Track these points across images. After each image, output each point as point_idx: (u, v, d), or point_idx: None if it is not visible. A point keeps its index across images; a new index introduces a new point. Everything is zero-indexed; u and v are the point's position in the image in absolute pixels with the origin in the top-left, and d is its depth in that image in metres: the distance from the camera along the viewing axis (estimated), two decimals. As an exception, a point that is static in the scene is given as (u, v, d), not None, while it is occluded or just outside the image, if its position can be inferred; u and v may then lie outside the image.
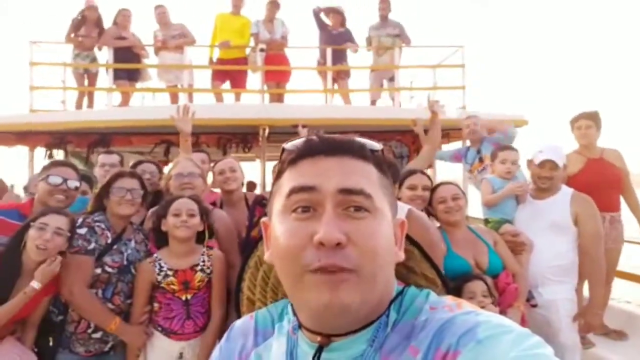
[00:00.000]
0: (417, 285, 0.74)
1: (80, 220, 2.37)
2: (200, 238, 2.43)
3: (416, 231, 2.10)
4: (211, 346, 2.36)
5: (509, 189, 3.00)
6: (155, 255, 2.39)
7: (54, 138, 4.72)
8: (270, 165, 4.88)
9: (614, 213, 3.66)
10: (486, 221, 3.06)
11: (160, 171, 3.17)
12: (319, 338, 0.67)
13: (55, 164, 2.57)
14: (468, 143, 4.44)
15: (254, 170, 6.05)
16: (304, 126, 3.90)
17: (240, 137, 4.75)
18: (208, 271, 2.38)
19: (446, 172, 5.29)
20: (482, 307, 2.19)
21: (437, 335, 0.61)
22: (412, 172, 2.74)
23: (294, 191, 0.66)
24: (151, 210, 2.69)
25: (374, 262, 0.63)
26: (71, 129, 4.55)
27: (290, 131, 4.03)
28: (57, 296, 2.30)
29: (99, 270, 2.33)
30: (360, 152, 0.70)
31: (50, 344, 2.31)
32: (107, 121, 4.49)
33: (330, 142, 0.69)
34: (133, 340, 2.31)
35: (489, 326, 0.59)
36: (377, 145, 0.73)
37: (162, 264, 2.33)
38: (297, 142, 0.72)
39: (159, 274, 2.30)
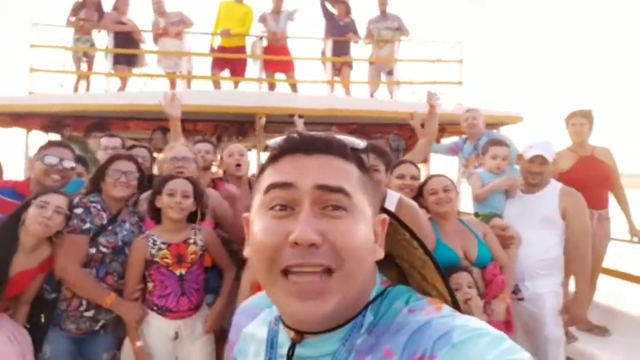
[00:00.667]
0: (427, 294, 0.73)
1: (76, 200, 2.42)
2: (191, 218, 2.49)
3: (406, 219, 2.16)
4: (224, 306, 2.49)
5: (498, 183, 3.05)
6: (147, 232, 2.44)
7: (51, 121, 4.73)
8: (266, 155, 4.89)
9: (602, 210, 3.71)
10: (476, 215, 3.10)
11: (152, 156, 3.22)
12: (292, 334, 0.68)
13: (52, 144, 2.61)
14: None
15: (250, 160, 6.07)
16: (300, 116, 3.93)
17: (236, 126, 4.77)
18: (200, 244, 2.44)
19: (441, 166, 5.33)
20: (468, 299, 2.27)
21: (412, 339, 0.61)
22: (401, 162, 2.80)
23: (271, 187, 0.66)
24: (144, 194, 2.73)
25: (351, 261, 0.63)
26: (69, 112, 4.56)
27: (288, 121, 4.05)
28: (51, 274, 2.33)
29: (93, 250, 2.37)
30: (341, 151, 0.70)
31: (42, 321, 2.34)
32: (105, 105, 4.50)
33: (311, 140, 0.69)
34: (129, 314, 2.35)
35: (465, 330, 0.58)
36: (359, 143, 0.73)
37: (156, 239, 2.38)
38: (279, 139, 0.72)
39: (152, 248, 2.35)
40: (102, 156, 3.36)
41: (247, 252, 0.71)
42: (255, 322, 0.80)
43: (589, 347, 3.25)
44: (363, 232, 0.65)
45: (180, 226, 2.44)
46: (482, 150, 3.30)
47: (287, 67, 6.17)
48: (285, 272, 0.63)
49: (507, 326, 2.55)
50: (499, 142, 3.27)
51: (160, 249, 2.36)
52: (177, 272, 2.37)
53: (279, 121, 4.49)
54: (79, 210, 2.38)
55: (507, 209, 3.04)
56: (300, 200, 0.64)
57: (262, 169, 0.73)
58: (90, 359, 2.42)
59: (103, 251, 2.40)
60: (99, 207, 2.44)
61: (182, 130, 5.09)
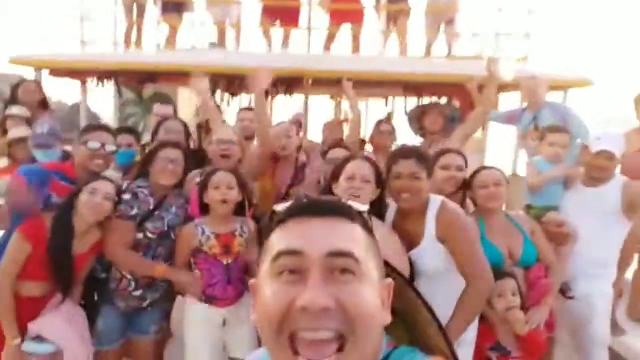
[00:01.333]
0: (431, 352, 0.75)
1: (124, 186, 2.50)
2: (238, 209, 2.52)
3: (447, 223, 2.10)
4: None
5: (555, 173, 2.84)
6: (197, 220, 2.49)
7: (105, 74, 4.80)
8: (314, 102, 4.87)
9: None
10: (529, 207, 2.94)
11: (187, 130, 3.22)
12: None
13: (92, 128, 2.65)
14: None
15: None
16: (348, 79, 3.76)
17: (284, 84, 4.64)
18: (245, 236, 2.47)
19: (499, 135, 5.02)
20: (510, 308, 2.19)
21: None
22: (445, 151, 2.66)
23: (280, 254, 0.66)
24: (190, 174, 2.76)
25: (362, 327, 0.63)
26: (120, 69, 4.58)
27: (337, 77, 3.90)
28: (101, 255, 2.46)
29: (140, 235, 2.46)
30: (347, 213, 0.71)
31: (95, 298, 2.52)
32: (154, 64, 4.47)
33: (318, 203, 0.71)
34: (181, 278, 2.45)
35: None
36: (362, 207, 0.74)
37: (205, 228, 2.43)
38: (287, 204, 0.73)
39: (201, 237, 2.41)
40: (154, 121, 3.43)
41: (253, 317, 0.70)
42: None
43: (637, 339, 3.13)
44: (371, 297, 0.66)
45: (228, 217, 2.48)
46: (539, 137, 3.04)
47: (356, 17, 5.78)
48: (293, 341, 0.62)
49: (548, 328, 2.48)
50: (558, 129, 3.00)
51: (208, 238, 2.41)
52: (224, 262, 2.43)
53: (327, 80, 4.31)
54: (127, 196, 2.45)
55: (564, 201, 2.85)
56: (309, 267, 0.64)
57: (269, 231, 0.73)
58: (139, 331, 2.59)
59: (150, 236, 2.48)
60: (145, 192, 2.50)
61: (230, 88, 5.11)
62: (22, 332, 2.20)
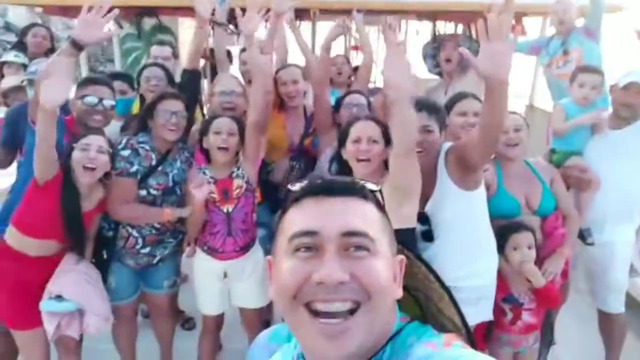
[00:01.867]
0: (442, 327, 0.78)
1: (123, 141, 2.38)
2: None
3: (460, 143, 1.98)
4: None
5: (583, 118, 2.65)
6: (200, 166, 2.44)
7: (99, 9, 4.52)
8: (321, 28, 4.53)
9: None
10: (552, 152, 2.79)
11: (170, 76, 3.00)
12: None
13: (90, 81, 2.49)
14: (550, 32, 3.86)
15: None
16: (358, 11, 3.49)
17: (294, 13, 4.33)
18: (243, 177, 2.42)
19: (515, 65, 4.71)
20: (524, 262, 2.14)
21: None
22: (462, 96, 2.48)
23: (296, 235, 0.69)
24: (194, 127, 2.63)
25: (377, 296, 0.66)
26: (117, 4, 4.28)
27: (344, 8, 3.63)
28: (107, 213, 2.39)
29: (143, 192, 2.38)
30: (361, 193, 0.73)
31: (105, 257, 2.47)
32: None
33: (332, 183, 0.74)
34: (192, 207, 2.35)
35: None
36: (375, 186, 0.76)
37: (206, 172, 2.39)
38: (302, 183, 0.75)
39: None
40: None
41: (271, 293, 0.74)
42: (275, 357, 0.83)
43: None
44: (385, 271, 0.69)
45: (229, 162, 2.42)
46: (570, 79, 2.80)
47: None
48: (311, 309, 0.65)
49: (562, 275, 2.45)
50: (589, 69, 2.75)
51: (208, 182, 2.35)
52: (224, 209, 2.38)
53: (336, 9, 4.01)
54: (126, 153, 2.34)
55: (590, 147, 2.68)
56: (324, 245, 0.67)
57: (284, 210, 0.75)
58: (151, 286, 2.59)
59: (153, 193, 2.40)
60: (147, 147, 2.39)
61: (233, 18, 4.79)
62: (34, 293, 2.18)
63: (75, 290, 2.18)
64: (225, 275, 2.46)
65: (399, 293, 0.73)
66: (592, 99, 2.67)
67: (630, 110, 2.54)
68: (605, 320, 2.76)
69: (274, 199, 2.84)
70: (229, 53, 3.93)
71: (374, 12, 3.90)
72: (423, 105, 2.05)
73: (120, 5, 4.15)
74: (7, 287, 2.20)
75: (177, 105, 2.40)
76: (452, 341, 0.69)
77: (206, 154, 2.43)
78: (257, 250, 2.54)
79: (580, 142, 2.69)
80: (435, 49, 4.07)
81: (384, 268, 0.69)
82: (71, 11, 4.49)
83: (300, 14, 4.38)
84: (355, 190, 0.73)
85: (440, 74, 3.94)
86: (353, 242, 0.67)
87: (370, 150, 1.97)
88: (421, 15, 5.05)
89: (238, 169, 2.43)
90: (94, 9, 2.20)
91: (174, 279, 2.64)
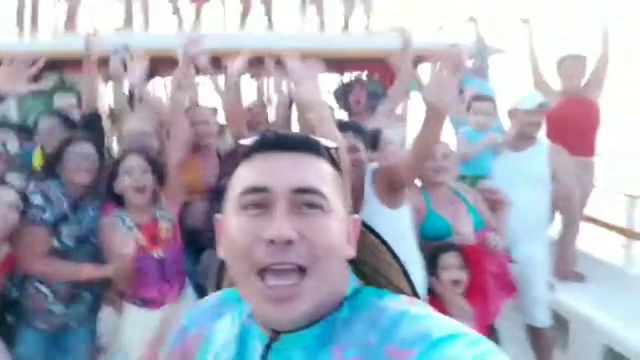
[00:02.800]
0: None
1: (32, 187, 2.21)
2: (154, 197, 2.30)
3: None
4: None
5: (483, 143, 2.90)
6: (117, 211, 2.26)
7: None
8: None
9: (589, 158, 3.62)
10: (463, 177, 2.98)
11: (71, 122, 2.84)
12: (268, 332, 0.68)
13: None
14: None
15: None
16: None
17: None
18: (168, 218, 2.29)
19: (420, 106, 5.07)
20: (457, 281, 2.20)
21: (389, 328, 0.62)
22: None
23: (245, 192, 0.66)
24: None
25: (327, 258, 0.64)
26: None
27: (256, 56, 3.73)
28: (12, 272, 2.16)
29: (56, 243, 2.17)
30: (315, 149, 0.70)
31: (10, 321, 2.22)
32: (56, 50, 3.92)
33: (285, 138, 0.70)
34: (115, 267, 2.16)
35: (444, 328, 0.59)
36: (332, 144, 0.73)
37: (125, 219, 2.21)
38: (253, 137, 0.72)
39: (123, 230, 2.18)
40: None
41: (221, 252, 0.71)
42: (224, 319, 0.78)
43: (565, 295, 3.30)
44: (338, 231, 0.66)
45: (148, 203, 2.26)
46: (466, 107, 3.09)
47: None
48: (261, 273, 0.63)
49: (509, 291, 2.52)
50: (483, 98, 3.08)
51: (130, 228, 2.19)
52: (156, 255, 2.22)
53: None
54: (37, 200, 2.15)
55: (495, 169, 2.92)
56: (275, 202, 0.64)
57: (235, 166, 0.72)
58: (67, 356, 2.30)
59: (67, 244, 2.20)
60: (59, 192, 2.21)
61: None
62: None
63: None
64: None
65: (352, 252, 0.71)
66: (488, 124, 2.92)
67: (537, 128, 2.81)
68: (536, 336, 2.89)
69: (195, 245, 2.72)
70: (132, 94, 3.85)
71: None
72: (350, 127, 2.14)
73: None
74: None
75: (87, 148, 2.27)
76: (415, 300, 0.68)
77: (118, 199, 2.26)
78: (191, 294, 2.38)
79: (485, 165, 2.93)
80: (344, 90, 4.28)
81: (336, 228, 0.66)
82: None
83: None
84: (308, 146, 0.70)
85: (350, 113, 4.13)
86: (305, 200, 0.65)
87: None
88: (329, 66, 5.32)
89: (162, 209, 2.30)
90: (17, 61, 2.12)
91: (91, 344, 2.36)
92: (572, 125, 3.38)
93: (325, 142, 0.73)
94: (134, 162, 2.22)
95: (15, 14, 5.14)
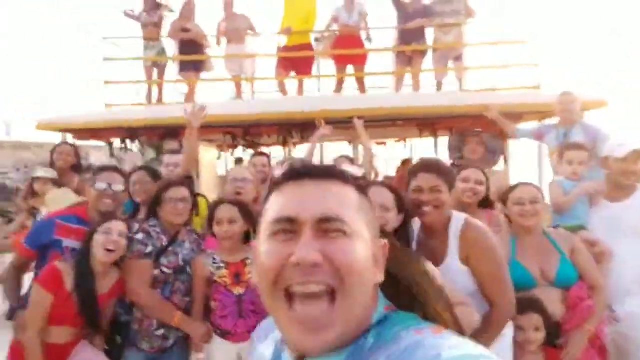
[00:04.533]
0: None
1: (137, 226, 2.52)
2: (246, 239, 2.52)
3: (472, 242, 2.03)
4: None
5: (581, 189, 2.76)
6: (209, 251, 2.52)
7: (128, 133, 4.97)
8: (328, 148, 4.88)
9: None
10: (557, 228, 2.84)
11: (155, 175, 3.17)
12: (295, 356, 0.71)
13: (102, 169, 2.74)
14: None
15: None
16: (359, 118, 3.84)
17: (299, 127, 4.73)
18: None
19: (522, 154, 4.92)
20: (531, 343, 2.11)
21: (401, 358, 0.62)
22: (466, 167, 2.71)
23: (275, 221, 0.71)
24: None
25: (351, 277, 0.66)
26: (143, 125, 4.74)
27: (348, 117, 3.96)
28: (122, 298, 2.46)
29: (157, 272, 2.46)
30: (340, 176, 0.74)
31: (119, 342, 2.48)
32: (175, 118, 4.57)
33: (311, 167, 0.75)
34: (195, 331, 2.44)
35: (456, 351, 0.59)
36: (357, 173, 0.82)
37: (216, 257, 2.46)
38: (284, 168, 0.77)
39: (212, 267, 2.43)
40: (164, 172, 3.43)
41: (254, 278, 0.78)
42: (267, 341, 0.84)
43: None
44: (361, 252, 0.69)
45: (237, 246, 2.49)
46: (557, 156, 2.99)
47: (359, 59, 5.93)
48: (289, 297, 0.67)
49: (600, 353, 2.31)
50: (575, 146, 2.96)
51: (219, 267, 2.43)
52: (236, 292, 2.41)
53: (342, 122, 4.38)
54: (140, 236, 2.47)
55: (592, 220, 2.76)
56: (302, 228, 0.69)
57: (267, 195, 0.78)
58: None
59: (166, 272, 2.48)
60: (158, 230, 2.53)
61: (248, 135, 5.23)
62: None
63: None
64: (239, 359, 2.41)
65: (380, 277, 0.73)
66: (581, 173, 2.80)
67: (633, 177, 2.64)
68: None
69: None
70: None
71: (374, 123, 4.18)
72: (433, 167, 2.12)
73: (147, 127, 4.70)
74: None
75: (183, 192, 2.58)
76: (442, 330, 0.67)
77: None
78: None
79: (581, 215, 2.77)
80: (460, 141, 4.30)
81: (360, 249, 0.69)
82: (102, 134, 4.97)
83: (306, 129, 4.78)
84: (333, 174, 0.74)
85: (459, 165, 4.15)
86: (329, 227, 0.69)
87: (381, 217, 1.90)
88: (422, 127, 5.42)
89: (252, 256, 2.49)
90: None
91: None
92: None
93: (350, 171, 0.82)
94: (224, 213, 2.45)
95: (146, 94, 6.06)
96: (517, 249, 2.36)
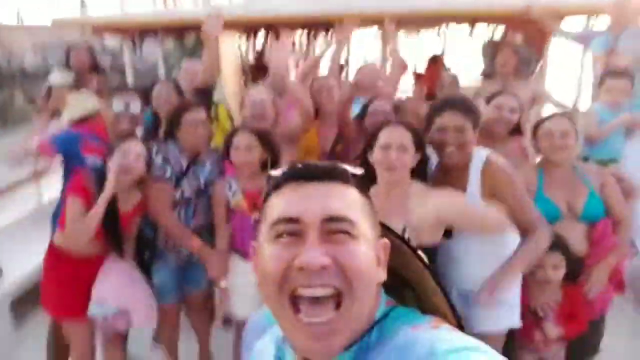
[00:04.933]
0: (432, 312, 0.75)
1: (155, 149, 2.51)
2: (265, 166, 2.48)
3: (494, 182, 1.98)
4: None
5: (616, 122, 2.59)
6: (228, 176, 2.51)
7: (149, 30, 4.78)
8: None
9: None
10: (585, 160, 2.70)
11: (180, 90, 3.06)
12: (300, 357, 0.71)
13: (117, 89, 2.68)
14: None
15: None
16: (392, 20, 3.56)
17: (323, 28, 4.42)
18: None
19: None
20: (548, 282, 2.14)
21: (398, 356, 0.63)
22: (499, 92, 2.57)
23: (277, 222, 0.69)
24: None
25: (358, 281, 0.66)
26: (164, 24, 4.53)
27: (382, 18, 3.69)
28: (147, 216, 2.53)
29: (178, 195, 2.50)
30: (342, 177, 0.72)
31: (147, 258, 2.61)
32: (195, 16, 4.30)
33: (313, 168, 0.72)
34: (212, 265, 2.48)
35: (450, 343, 0.60)
36: (358, 171, 0.75)
37: (233, 184, 2.45)
38: (282, 168, 0.75)
39: (229, 193, 2.44)
40: (183, 79, 3.34)
41: (255, 279, 0.74)
42: (265, 338, 0.84)
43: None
44: (367, 255, 0.69)
45: (255, 174, 2.45)
46: (598, 84, 2.74)
47: None
48: (294, 301, 0.66)
49: (618, 286, 2.35)
50: (617, 74, 2.69)
51: (236, 194, 2.43)
52: (253, 217, 2.42)
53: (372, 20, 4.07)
54: (158, 159, 2.48)
55: (627, 152, 2.62)
56: (306, 230, 0.67)
57: (266, 195, 0.75)
58: (193, 285, 2.70)
59: (187, 195, 2.52)
60: (177, 153, 2.52)
61: (273, 32, 4.94)
62: (81, 289, 2.32)
63: (118, 294, 2.32)
64: None
65: (382, 276, 0.73)
66: (622, 103, 2.60)
67: None
68: None
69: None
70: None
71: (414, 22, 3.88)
72: (459, 105, 2.03)
73: (167, 26, 4.49)
74: (55, 282, 2.35)
75: (202, 114, 2.52)
76: (440, 324, 0.68)
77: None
78: None
79: (615, 148, 2.63)
80: (493, 50, 4.02)
81: (366, 252, 0.69)
82: (121, 31, 4.79)
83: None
84: (335, 175, 0.72)
85: (491, 75, 3.91)
86: (334, 228, 0.67)
87: (399, 159, 1.89)
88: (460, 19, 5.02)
89: None
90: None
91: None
92: None
93: (351, 169, 0.75)
94: (242, 140, 2.38)
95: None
96: (544, 182, 2.30)
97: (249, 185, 2.45)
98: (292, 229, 0.68)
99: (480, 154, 2.01)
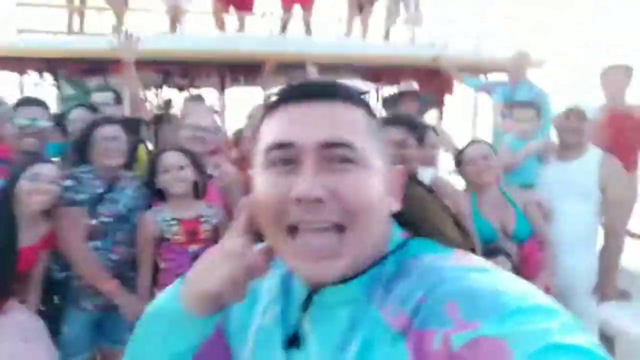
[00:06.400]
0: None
1: (63, 173, 2.22)
2: (196, 192, 2.29)
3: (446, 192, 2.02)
4: None
5: (529, 147, 2.83)
6: (155, 208, 2.27)
7: (45, 65, 4.38)
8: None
9: (631, 173, 3.48)
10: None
11: (119, 98, 2.98)
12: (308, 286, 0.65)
13: (22, 102, 2.37)
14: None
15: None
16: (314, 64, 3.65)
17: (243, 70, 4.40)
18: (214, 222, 2.26)
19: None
20: None
21: (445, 288, 0.54)
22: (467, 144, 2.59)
23: (270, 148, 0.61)
24: None
25: (363, 217, 0.59)
26: (62, 57, 4.18)
27: (299, 65, 3.76)
28: (56, 253, 2.20)
29: (94, 221, 2.21)
30: (346, 95, 0.63)
31: (57, 301, 2.26)
32: (105, 51, 4.03)
33: (312, 85, 0.64)
34: (127, 307, 2.18)
35: (516, 297, 0.50)
36: (365, 88, 0.69)
37: (166, 215, 2.21)
38: (280, 87, 0.66)
39: (162, 224, 2.19)
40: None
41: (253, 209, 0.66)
42: (269, 275, 0.73)
43: (611, 311, 3.18)
44: (373, 186, 0.60)
45: (189, 201, 2.25)
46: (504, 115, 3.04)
47: (306, 0, 5.55)
48: (292, 231, 0.59)
49: None
50: (523, 104, 3.01)
51: (170, 225, 2.19)
52: (190, 249, 2.22)
53: (289, 65, 4.14)
54: (68, 183, 2.18)
55: (541, 178, 2.84)
56: (302, 157, 0.59)
57: (261, 119, 0.66)
58: (111, 340, 2.34)
59: (104, 221, 2.23)
60: (91, 176, 2.24)
61: (186, 75, 4.81)
62: None
63: (5, 354, 1.92)
64: None
65: (396, 205, 0.65)
66: (530, 132, 2.85)
67: (575, 136, 2.68)
68: None
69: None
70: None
71: (325, 69, 4.04)
72: (402, 121, 2.06)
73: (70, 59, 4.15)
74: None
75: (114, 130, 2.29)
76: (469, 255, 0.62)
77: (161, 193, 2.26)
78: None
79: (530, 174, 2.84)
80: (395, 99, 4.23)
81: (372, 182, 0.60)
82: (15, 65, 4.36)
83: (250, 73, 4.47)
84: (338, 93, 0.63)
85: None
86: (335, 154, 0.59)
87: None
88: (366, 77, 5.32)
89: (209, 209, 2.28)
90: None
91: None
92: (615, 139, 3.27)
93: (356, 85, 0.67)
94: (171, 159, 2.20)
95: (67, 21, 5.37)
96: (478, 205, 2.41)
97: (184, 214, 2.23)
98: (286, 156, 0.60)
99: (425, 174, 2.11)
